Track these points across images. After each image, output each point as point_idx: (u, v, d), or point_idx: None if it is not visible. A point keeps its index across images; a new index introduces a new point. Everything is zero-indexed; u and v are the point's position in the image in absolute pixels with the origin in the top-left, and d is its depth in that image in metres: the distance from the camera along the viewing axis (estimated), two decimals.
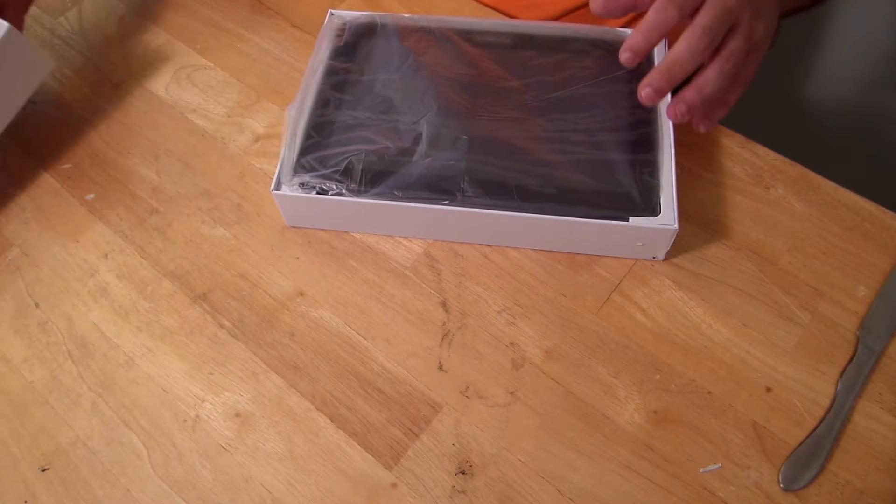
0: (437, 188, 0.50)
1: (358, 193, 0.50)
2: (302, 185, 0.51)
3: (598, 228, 0.49)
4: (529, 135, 0.52)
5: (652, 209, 0.48)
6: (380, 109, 0.54)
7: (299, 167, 0.51)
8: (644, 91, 0.45)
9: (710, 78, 0.44)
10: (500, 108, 0.53)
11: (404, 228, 0.54)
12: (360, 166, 0.51)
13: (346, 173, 0.51)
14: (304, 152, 0.52)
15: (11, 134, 0.62)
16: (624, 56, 0.45)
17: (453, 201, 0.49)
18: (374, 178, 0.50)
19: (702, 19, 0.43)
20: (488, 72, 0.56)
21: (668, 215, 0.48)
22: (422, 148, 0.51)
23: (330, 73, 0.56)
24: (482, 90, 0.55)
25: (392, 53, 0.57)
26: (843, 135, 1.41)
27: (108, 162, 0.60)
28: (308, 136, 0.53)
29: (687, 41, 0.43)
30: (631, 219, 0.48)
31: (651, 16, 0.44)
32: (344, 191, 0.50)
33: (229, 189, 0.58)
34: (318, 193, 0.50)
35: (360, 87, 0.55)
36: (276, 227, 0.55)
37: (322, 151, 0.52)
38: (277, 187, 0.51)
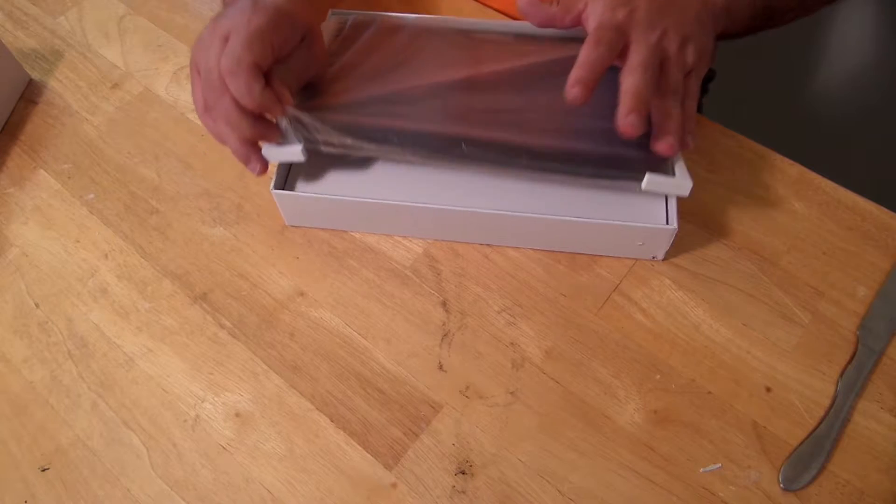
0: (438, 145, 0.48)
1: (356, 147, 0.48)
2: (295, 126, 0.49)
3: (597, 228, 0.49)
4: (533, 114, 0.51)
5: (665, 169, 0.47)
6: (379, 99, 0.52)
7: (296, 120, 0.49)
8: (630, 121, 0.46)
9: (674, 113, 0.47)
10: (500, 95, 0.52)
11: (404, 228, 0.54)
12: (359, 125, 0.49)
13: (344, 129, 0.49)
14: (303, 111, 0.50)
15: (11, 134, 0.62)
16: (575, 91, 0.46)
17: (455, 156, 0.48)
18: (372, 132, 0.49)
19: (637, 58, 0.46)
20: (489, 57, 0.55)
21: (671, 215, 0.48)
22: (420, 113, 0.50)
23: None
24: (481, 79, 0.53)
25: (390, 46, 0.56)
26: (843, 135, 1.41)
27: (108, 162, 0.60)
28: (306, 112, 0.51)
29: (641, 77, 0.46)
30: (631, 217, 0.48)
31: (589, 53, 0.46)
32: (348, 141, 0.48)
33: (229, 189, 0.58)
34: (307, 143, 0.49)
35: (356, 76, 0.54)
36: (276, 227, 0.55)
37: (321, 113, 0.50)
38: (277, 186, 0.51)
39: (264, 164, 0.50)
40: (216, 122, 0.49)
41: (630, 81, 0.46)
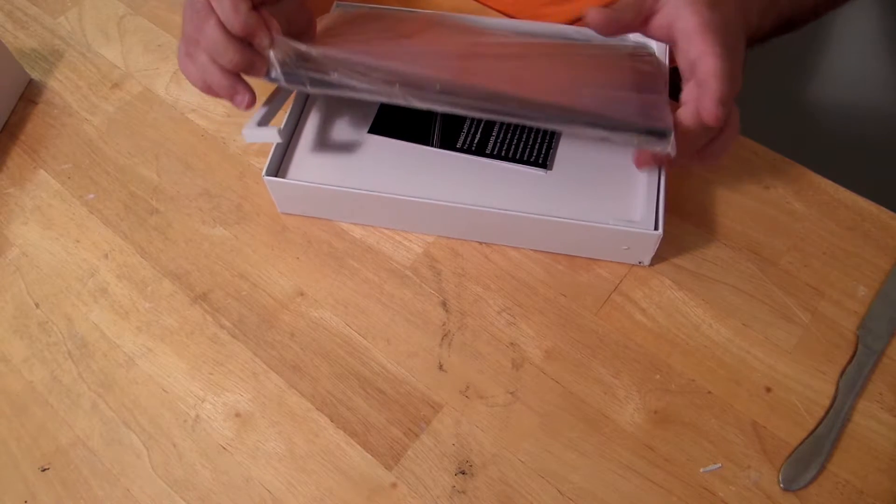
0: (431, 85, 0.45)
1: (344, 83, 0.46)
2: (283, 61, 0.46)
3: (583, 230, 0.49)
4: (532, 75, 0.49)
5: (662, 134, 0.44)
6: (374, 52, 0.50)
7: (284, 51, 0.46)
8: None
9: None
10: (499, 63, 0.51)
11: (398, 221, 0.53)
12: (350, 61, 0.47)
13: (334, 63, 0.46)
14: (292, 41, 0.47)
15: (11, 134, 0.62)
16: (722, 111, 0.42)
17: (447, 98, 0.45)
18: (362, 69, 0.46)
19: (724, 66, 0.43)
20: (490, 40, 0.55)
21: (659, 220, 0.48)
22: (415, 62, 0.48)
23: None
24: (479, 56, 0.52)
25: (390, 24, 0.56)
26: (843, 135, 1.41)
27: (108, 162, 0.60)
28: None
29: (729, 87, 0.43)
30: (614, 219, 0.48)
31: (721, 65, 0.43)
32: (336, 75, 0.46)
33: (229, 189, 0.58)
34: (294, 78, 0.46)
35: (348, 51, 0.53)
36: (276, 228, 0.55)
37: (312, 48, 0.47)
38: (270, 173, 0.51)
39: (252, 96, 0.47)
40: (197, 61, 0.47)
41: (722, 89, 0.43)
